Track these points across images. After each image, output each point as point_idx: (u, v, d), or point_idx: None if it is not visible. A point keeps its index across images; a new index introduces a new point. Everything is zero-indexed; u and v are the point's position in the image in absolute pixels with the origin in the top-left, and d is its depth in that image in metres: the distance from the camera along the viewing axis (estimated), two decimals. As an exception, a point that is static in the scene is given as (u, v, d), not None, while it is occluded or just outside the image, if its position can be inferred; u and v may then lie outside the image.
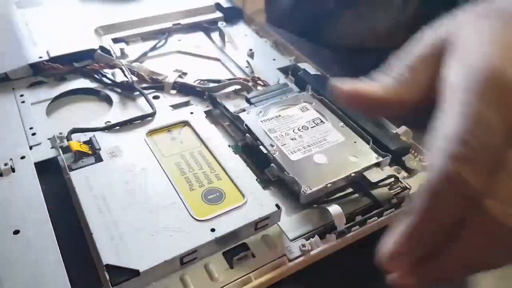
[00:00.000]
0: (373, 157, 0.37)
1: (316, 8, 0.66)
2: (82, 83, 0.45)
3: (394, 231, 0.23)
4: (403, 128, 0.40)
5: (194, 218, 0.31)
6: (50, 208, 0.33)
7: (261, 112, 0.41)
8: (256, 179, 0.35)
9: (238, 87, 0.44)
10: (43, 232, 0.31)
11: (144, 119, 0.40)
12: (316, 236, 0.33)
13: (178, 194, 0.33)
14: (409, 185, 0.37)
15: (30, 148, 0.37)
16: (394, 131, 0.40)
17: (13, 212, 0.32)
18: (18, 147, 0.37)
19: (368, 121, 0.41)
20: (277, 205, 0.33)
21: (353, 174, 0.36)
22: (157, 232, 0.30)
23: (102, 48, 0.44)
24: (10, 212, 0.32)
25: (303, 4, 0.67)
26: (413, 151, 0.40)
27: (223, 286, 0.29)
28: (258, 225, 0.32)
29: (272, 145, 0.37)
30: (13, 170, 0.35)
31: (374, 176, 0.37)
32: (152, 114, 0.40)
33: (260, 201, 0.33)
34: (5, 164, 0.35)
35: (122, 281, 0.27)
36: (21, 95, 0.43)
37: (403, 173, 0.38)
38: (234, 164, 0.36)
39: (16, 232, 0.31)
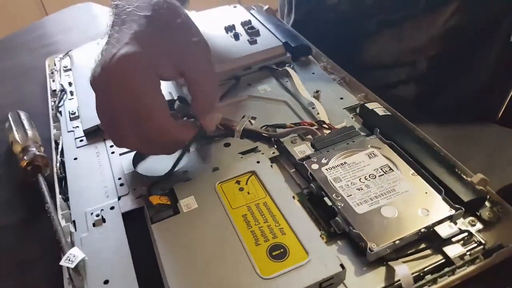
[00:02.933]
0: (446, 210, 0.36)
1: (353, 29, 0.65)
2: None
3: None
4: (479, 176, 0.38)
5: (260, 276, 0.33)
6: (135, 255, 0.37)
7: (326, 159, 0.41)
8: (321, 234, 0.36)
9: (303, 131, 0.45)
10: (128, 283, 0.35)
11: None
12: (383, 297, 0.32)
13: (245, 249, 0.35)
14: (484, 240, 0.35)
15: (119, 198, 0.42)
16: (469, 179, 0.38)
17: (103, 263, 0.36)
18: (109, 197, 0.42)
19: (441, 167, 0.39)
20: (341, 265, 0.33)
21: (423, 230, 0.35)
22: (227, 288, 0.33)
23: (180, 98, 0.47)
24: (101, 263, 0.36)
25: (341, 25, 0.66)
26: (490, 201, 0.38)
27: None
28: (323, 285, 0.33)
29: (337, 196, 0.38)
30: (104, 220, 0.40)
31: (445, 230, 0.35)
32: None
33: (324, 260, 0.33)
34: (97, 215, 0.40)
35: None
36: (111, 146, 0.48)
37: (479, 225, 0.36)
38: (299, 218, 0.37)
39: (106, 282, 0.35)
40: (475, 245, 0.35)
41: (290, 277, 0.33)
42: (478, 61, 0.64)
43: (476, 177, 0.38)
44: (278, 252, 0.35)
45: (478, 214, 0.37)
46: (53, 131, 0.52)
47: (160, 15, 0.40)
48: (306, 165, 0.41)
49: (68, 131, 0.51)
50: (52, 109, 0.55)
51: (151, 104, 0.37)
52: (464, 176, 0.39)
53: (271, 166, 0.42)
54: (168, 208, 0.39)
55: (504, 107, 0.70)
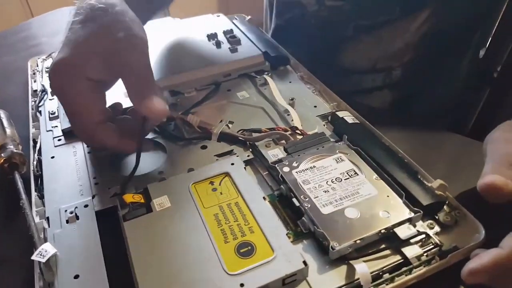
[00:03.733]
0: (405, 213, 0.37)
1: (333, 34, 0.68)
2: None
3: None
4: (438, 181, 0.40)
5: (226, 272, 0.34)
6: (107, 252, 0.38)
7: (296, 162, 0.43)
8: (288, 233, 0.37)
9: (277, 135, 0.47)
10: (98, 278, 0.36)
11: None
12: (342, 293, 0.34)
13: (214, 247, 0.36)
14: (441, 242, 0.37)
15: (93, 197, 0.43)
16: (429, 184, 0.40)
17: (75, 258, 0.37)
18: (83, 195, 0.43)
19: (404, 173, 0.41)
20: (304, 262, 0.35)
21: (383, 231, 0.36)
22: (195, 284, 0.34)
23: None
24: (73, 258, 0.37)
25: (321, 31, 0.69)
26: (448, 205, 0.40)
27: None
28: (286, 281, 0.34)
29: (305, 197, 0.39)
30: (77, 217, 0.41)
31: (403, 232, 0.37)
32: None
33: (288, 257, 0.35)
34: (71, 212, 0.41)
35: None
36: (88, 146, 0.49)
37: (437, 228, 0.38)
38: (267, 217, 0.38)
39: (76, 276, 0.36)
40: (432, 246, 0.37)
41: (255, 273, 0.34)
42: (450, 71, 0.67)
43: (435, 183, 0.40)
44: (245, 250, 0.36)
45: (437, 217, 0.39)
46: (32, 130, 0.53)
47: (92, 17, 0.42)
48: (277, 167, 0.42)
49: (47, 130, 0.52)
50: (32, 109, 0.56)
51: (77, 106, 0.41)
52: (425, 182, 0.41)
53: (245, 168, 0.44)
54: (141, 207, 0.40)
55: (473, 121, 0.73)
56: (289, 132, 0.47)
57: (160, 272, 0.35)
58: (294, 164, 0.43)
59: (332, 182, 0.41)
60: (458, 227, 0.38)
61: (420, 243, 0.37)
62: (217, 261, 0.35)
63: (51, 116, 0.54)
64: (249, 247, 0.36)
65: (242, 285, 0.33)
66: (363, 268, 0.34)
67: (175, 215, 0.39)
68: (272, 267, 0.35)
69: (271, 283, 0.34)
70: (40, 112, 0.55)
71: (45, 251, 0.37)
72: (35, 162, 0.48)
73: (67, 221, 0.41)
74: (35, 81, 0.62)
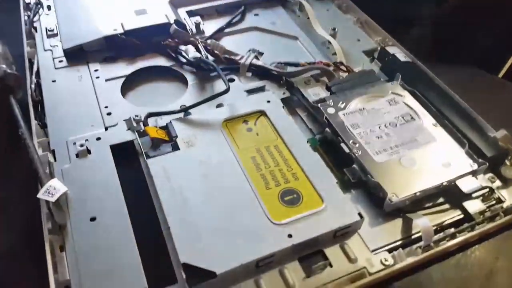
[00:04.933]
0: (468, 164, 0.33)
1: None
2: (157, 60, 0.44)
3: None
4: (503, 132, 0.35)
5: (271, 221, 0.30)
6: (125, 193, 0.32)
7: (343, 103, 0.37)
8: (336, 181, 0.33)
9: (318, 72, 0.41)
10: (119, 221, 0.31)
11: (217, 97, 0.38)
12: (400, 249, 0.30)
13: (254, 193, 0.31)
14: (504, 197, 0.33)
15: (106, 129, 0.37)
16: (492, 135, 0.36)
17: (90, 198, 0.32)
18: (94, 127, 0.37)
19: (464, 121, 0.37)
20: (359, 214, 0.30)
21: (445, 183, 0.33)
22: (234, 233, 0.29)
23: (177, 22, 0.42)
24: (87, 198, 0.32)
25: None
26: (510, 158, 0.36)
27: (299, 295, 0.28)
28: (338, 233, 0.30)
29: (354, 143, 0.35)
30: (89, 152, 0.35)
31: (467, 185, 0.33)
32: (226, 92, 0.38)
33: (341, 208, 0.31)
34: (81, 145, 0.35)
35: (199, 281, 0.27)
36: (96, 70, 0.42)
37: (498, 183, 0.35)
38: (313, 163, 0.34)
39: (93, 219, 0.31)
40: (494, 202, 0.33)
41: (303, 224, 0.30)
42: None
43: (499, 133, 0.36)
44: (291, 197, 0.32)
45: (499, 171, 0.35)
46: (27, 49, 0.45)
47: None
48: (321, 108, 0.37)
49: (45, 50, 0.45)
50: (26, 24, 0.48)
51: None
52: (487, 132, 0.36)
53: (283, 106, 0.38)
54: (166, 143, 0.35)
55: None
56: (332, 68, 0.41)
57: (194, 218, 0.30)
58: (341, 105, 0.37)
59: (386, 127, 0.36)
60: (523, 182, 0.35)
61: (482, 197, 0.33)
62: (259, 209, 0.31)
63: (49, 33, 0.46)
64: (295, 195, 0.32)
65: (290, 235, 0.29)
66: (425, 222, 0.31)
67: (206, 155, 0.34)
68: (323, 218, 0.30)
69: (321, 236, 0.30)
70: (35, 28, 0.47)
71: (53, 188, 0.32)
72: (33, 86, 0.41)
73: (77, 155, 0.35)
74: (26, -7, 0.53)
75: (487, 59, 0.64)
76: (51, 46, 0.45)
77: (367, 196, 0.34)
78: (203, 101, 0.37)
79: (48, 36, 0.46)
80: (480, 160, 0.34)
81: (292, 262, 0.30)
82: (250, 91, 0.41)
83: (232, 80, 0.41)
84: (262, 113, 0.38)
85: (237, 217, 0.30)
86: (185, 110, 0.37)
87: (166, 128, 0.36)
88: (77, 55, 0.44)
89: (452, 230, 0.32)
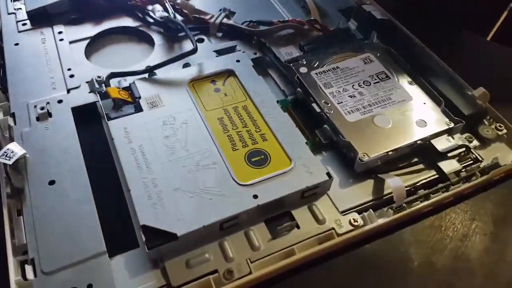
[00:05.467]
0: (444, 123, 0.32)
1: None
2: (123, 21, 0.42)
3: None
4: (481, 89, 0.34)
5: (236, 182, 0.29)
6: (86, 156, 0.31)
7: (316, 62, 0.36)
8: (306, 142, 0.32)
9: (291, 31, 0.39)
10: (78, 184, 0.30)
11: (184, 57, 0.37)
12: (370, 210, 0.29)
13: (220, 154, 0.30)
14: (481, 157, 0.32)
15: (68, 91, 0.36)
16: (470, 93, 0.34)
17: (49, 162, 0.31)
18: (56, 90, 0.36)
19: (441, 78, 0.35)
20: (328, 174, 0.29)
21: (419, 142, 0.31)
22: (197, 194, 0.28)
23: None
24: (47, 161, 0.31)
25: None
26: (489, 118, 0.35)
27: (264, 257, 0.27)
28: (305, 194, 0.29)
29: (326, 103, 0.33)
30: (49, 115, 0.34)
31: (442, 144, 0.32)
32: (193, 52, 0.36)
33: (309, 168, 0.30)
34: (42, 108, 0.34)
35: (158, 244, 0.26)
36: (60, 32, 0.41)
37: (475, 142, 0.34)
38: (282, 123, 0.32)
39: (52, 182, 0.30)
40: (471, 161, 0.32)
41: (269, 184, 0.29)
42: None
43: (477, 91, 0.34)
44: (258, 159, 0.30)
45: (476, 130, 0.34)
46: (-11, 12, 0.43)
47: None
48: (293, 68, 0.35)
49: (9, 13, 0.43)
50: (-13, -14, 0.45)
51: None
52: (465, 90, 0.35)
53: (253, 67, 0.37)
54: (128, 104, 0.33)
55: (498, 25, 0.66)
56: (306, 26, 0.39)
57: (155, 180, 0.29)
58: (313, 64, 0.36)
59: (359, 86, 0.34)
60: (500, 142, 0.34)
61: (458, 157, 0.32)
62: (224, 170, 0.29)
63: (12, -5, 0.44)
64: (262, 156, 0.30)
65: (255, 196, 0.28)
66: (396, 181, 0.30)
67: (170, 117, 0.32)
68: (290, 178, 0.29)
69: (288, 196, 0.29)
70: (-3, -9, 0.45)
71: (11, 151, 0.31)
72: (-6, 49, 0.39)
73: (38, 119, 0.33)
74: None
75: (475, 21, 0.63)
76: (14, 9, 0.43)
77: (338, 158, 0.32)
78: (168, 61, 0.36)
79: (12, 0, 0.44)
80: (456, 118, 0.32)
81: (258, 224, 0.29)
82: (219, 52, 0.39)
83: (201, 41, 0.40)
84: (231, 72, 0.36)
85: (200, 179, 0.29)
86: (150, 70, 0.35)
87: (129, 89, 0.34)
88: (40, 18, 0.42)
89: (426, 191, 0.31)
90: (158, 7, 0.40)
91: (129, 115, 0.32)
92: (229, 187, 0.29)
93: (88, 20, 0.42)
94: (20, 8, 0.43)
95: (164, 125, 0.32)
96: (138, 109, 0.33)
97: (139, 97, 0.33)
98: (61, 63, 0.38)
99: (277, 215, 0.29)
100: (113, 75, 0.35)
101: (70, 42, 0.40)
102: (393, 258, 0.29)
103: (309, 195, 0.30)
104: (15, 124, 0.33)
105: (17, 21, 0.42)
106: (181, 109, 0.33)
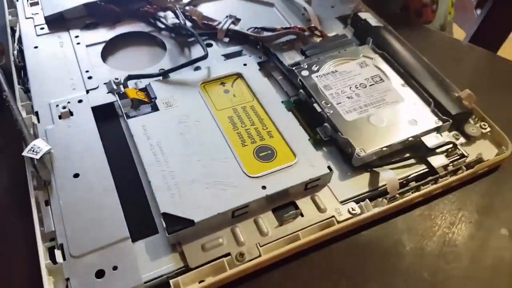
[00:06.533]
0: (433, 121, 0.35)
1: None
2: (136, 26, 0.45)
3: None
4: (467, 91, 0.37)
5: (246, 175, 0.32)
6: (106, 151, 0.34)
7: (316, 66, 0.39)
8: (308, 139, 0.35)
9: (293, 37, 0.42)
10: (101, 177, 0.32)
11: (196, 62, 0.39)
12: (367, 200, 0.32)
13: (231, 149, 0.33)
14: (466, 152, 0.35)
15: (87, 92, 0.38)
16: (457, 94, 0.38)
17: (73, 156, 0.33)
18: (76, 90, 0.38)
19: (430, 81, 0.38)
20: (329, 167, 0.32)
21: (410, 139, 0.34)
22: (211, 185, 0.31)
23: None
24: (70, 156, 0.33)
25: None
26: (474, 117, 0.38)
27: (272, 241, 0.30)
28: (309, 185, 0.32)
29: (326, 103, 0.36)
30: (71, 113, 0.36)
31: (431, 140, 0.35)
32: (204, 57, 0.39)
33: (312, 162, 0.33)
34: (64, 107, 0.36)
35: (177, 229, 0.29)
36: (76, 36, 0.43)
37: (462, 139, 0.37)
38: (287, 122, 0.35)
39: (76, 175, 0.32)
40: (458, 157, 0.35)
41: (277, 176, 0.32)
42: None
43: (463, 93, 0.37)
44: (265, 154, 0.33)
45: (463, 128, 0.37)
46: (8, 17, 0.46)
47: None
48: (296, 71, 0.38)
49: (27, 18, 0.45)
50: (6, -7, 0.48)
51: None
52: (452, 92, 0.38)
53: (259, 70, 0.40)
54: (145, 104, 0.36)
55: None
56: (307, 33, 0.42)
57: (173, 172, 0.31)
58: (314, 68, 0.39)
59: (356, 88, 0.38)
60: (484, 139, 0.37)
61: (446, 153, 0.35)
62: (235, 164, 0.32)
63: (30, 1, 0.46)
64: (269, 151, 0.33)
65: (264, 187, 0.31)
66: (389, 174, 0.33)
67: (184, 115, 0.35)
68: (295, 171, 0.32)
69: (293, 187, 0.32)
70: (16, -3, 0.47)
71: (37, 147, 0.33)
72: (15, 52, 0.41)
73: (60, 117, 0.36)
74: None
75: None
76: (32, 14, 0.45)
77: (338, 153, 0.36)
78: (181, 65, 0.38)
79: (30, 5, 0.46)
80: (444, 117, 0.36)
81: (266, 213, 0.31)
82: (227, 56, 0.42)
83: (210, 45, 0.42)
84: (239, 75, 0.39)
85: (214, 171, 0.32)
86: (164, 74, 0.38)
87: (145, 90, 0.37)
88: (58, 22, 0.44)
89: (417, 183, 0.34)
90: (169, 14, 0.43)
91: (146, 114, 0.35)
92: (240, 179, 0.31)
93: (103, 25, 0.44)
94: (38, 13, 0.45)
95: (179, 123, 0.35)
96: (155, 108, 0.36)
97: (155, 98, 0.36)
98: (79, 65, 0.40)
99: (283, 204, 0.32)
100: (130, 77, 0.37)
101: (87, 46, 0.42)
102: (387, 243, 0.32)
103: (311, 187, 0.33)
104: (38, 122, 0.36)
105: (35, 25, 0.44)
106: (194, 109, 0.36)
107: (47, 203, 0.31)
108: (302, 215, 0.31)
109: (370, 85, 0.38)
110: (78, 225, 0.30)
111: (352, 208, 0.32)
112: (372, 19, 0.43)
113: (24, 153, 0.33)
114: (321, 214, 0.32)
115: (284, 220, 0.31)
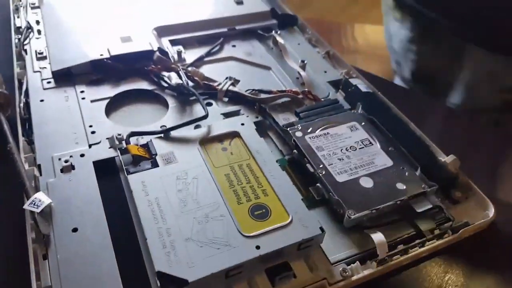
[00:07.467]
0: (420, 186, 0.37)
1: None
2: (140, 84, 0.47)
3: None
4: (452, 157, 0.40)
5: (241, 233, 0.33)
6: (106, 206, 0.35)
7: (310, 128, 0.41)
8: (301, 198, 0.36)
9: (288, 99, 0.45)
10: (99, 232, 0.33)
11: (197, 122, 0.41)
12: (357, 262, 0.33)
13: (226, 207, 0.34)
14: (452, 216, 0.37)
15: (90, 146, 0.40)
16: (443, 160, 0.40)
17: (72, 210, 0.34)
18: (79, 144, 0.40)
19: (417, 147, 0.41)
20: (321, 228, 0.33)
21: (398, 202, 0.36)
22: (206, 244, 0.32)
23: (160, 50, 0.45)
24: (70, 210, 0.34)
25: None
26: (459, 181, 0.40)
27: (265, 303, 0.31)
28: (302, 246, 0.33)
29: (319, 164, 0.38)
30: (73, 167, 0.37)
31: (419, 205, 0.37)
32: (205, 117, 0.41)
33: (305, 222, 0.34)
34: (66, 161, 0.37)
35: (171, 289, 0.29)
36: (82, 91, 0.45)
37: (448, 203, 0.38)
38: (281, 181, 0.37)
39: (75, 230, 0.33)
40: (444, 220, 0.37)
41: (271, 236, 0.33)
42: None
43: (449, 158, 0.40)
44: (260, 212, 0.34)
45: (448, 193, 0.39)
46: (17, 70, 0.48)
47: None
48: (290, 132, 0.41)
49: (34, 71, 0.47)
50: (16, 47, 0.50)
51: None
52: (438, 157, 0.40)
53: (255, 129, 0.42)
54: (145, 160, 0.37)
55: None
56: (301, 96, 0.45)
57: (169, 229, 0.32)
58: (308, 130, 0.41)
59: (347, 150, 0.40)
60: (469, 203, 0.39)
61: (432, 216, 0.37)
62: (230, 222, 0.33)
63: (38, 55, 0.49)
64: (264, 210, 0.35)
65: (258, 247, 0.32)
66: (380, 237, 0.34)
67: (183, 172, 0.37)
68: (289, 231, 0.33)
69: (287, 247, 0.32)
70: (25, 50, 0.50)
71: (38, 200, 0.34)
72: (21, 105, 0.43)
73: (62, 170, 0.37)
74: (18, 17, 0.56)
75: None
76: (40, 68, 0.47)
77: (330, 213, 0.37)
78: (182, 124, 0.40)
79: (38, 59, 0.49)
80: (431, 182, 0.37)
81: (260, 273, 0.32)
82: (226, 115, 0.44)
83: (210, 104, 0.45)
84: (236, 134, 0.41)
85: (209, 229, 0.33)
86: (166, 131, 0.40)
87: (146, 146, 0.39)
88: (64, 77, 0.46)
89: (405, 246, 0.35)
90: (173, 74, 0.45)
91: (146, 170, 0.36)
92: (235, 238, 0.32)
93: (107, 81, 0.47)
94: (45, 67, 0.48)
95: (178, 179, 0.36)
96: (155, 164, 0.37)
97: (156, 154, 0.38)
98: (83, 120, 0.42)
99: (276, 264, 0.33)
100: (133, 134, 0.39)
101: (91, 101, 0.44)
102: (377, 306, 0.33)
103: (304, 247, 0.33)
104: (40, 174, 0.37)
105: (42, 79, 0.46)
106: (193, 166, 0.37)
107: (45, 257, 0.32)
108: (295, 276, 0.32)
109: (360, 148, 0.40)
110: (74, 282, 0.30)
111: (343, 270, 0.33)
112: (362, 85, 0.46)
113: (25, 206, 0.34)
114: (313, 275, 0.32)
115: (276, 282, 0.32)
